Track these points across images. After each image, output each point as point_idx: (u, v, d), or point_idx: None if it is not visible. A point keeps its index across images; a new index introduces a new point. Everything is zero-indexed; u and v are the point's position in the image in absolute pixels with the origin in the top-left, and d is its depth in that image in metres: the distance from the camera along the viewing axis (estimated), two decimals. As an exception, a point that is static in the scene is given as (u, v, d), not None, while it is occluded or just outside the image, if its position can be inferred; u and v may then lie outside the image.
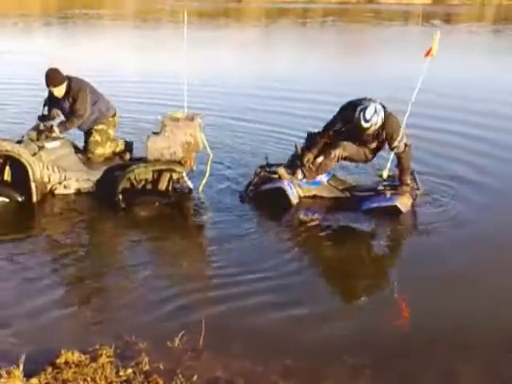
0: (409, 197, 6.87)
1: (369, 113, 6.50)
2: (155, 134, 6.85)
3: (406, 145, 6.74)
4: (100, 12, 43.95)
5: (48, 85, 6.99)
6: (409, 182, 6.86)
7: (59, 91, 7.01)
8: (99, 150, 7.24)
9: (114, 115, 7.39)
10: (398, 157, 6.82)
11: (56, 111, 7.09)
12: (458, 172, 8.22)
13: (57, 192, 7.07)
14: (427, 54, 7.07)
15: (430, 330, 4.65)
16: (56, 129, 6.96)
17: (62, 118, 7.15)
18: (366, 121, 6.51)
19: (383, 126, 6.65)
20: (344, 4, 56.88)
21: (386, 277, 5.80)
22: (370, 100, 6.64)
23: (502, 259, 5.92)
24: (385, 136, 6.74)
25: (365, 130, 6.60)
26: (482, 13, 53.82)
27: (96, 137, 7.23)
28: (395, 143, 6.69)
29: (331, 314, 4.91)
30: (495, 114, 11.80)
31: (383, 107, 6.64)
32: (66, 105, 7.10)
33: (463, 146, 9.49)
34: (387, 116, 6.64)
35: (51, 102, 7.17)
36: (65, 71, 7.07)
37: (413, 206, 6.90)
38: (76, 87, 7.04)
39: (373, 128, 6.59)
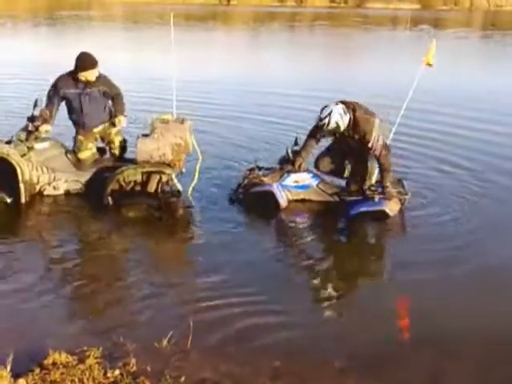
0: (397, 201, 6.91)
1: (324, 112, 6.67)
2: (145, 135, 6.86)
3: (383, 147, 6.76)
4: (90, 14, 43.87)
5: (86, 68, 7.01)
6: (388, 185, 6.86)
7: (93, 74, 7.07)
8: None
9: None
10: (377, 159, 6.86)
11: (45, 111, 7.04)
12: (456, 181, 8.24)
13: (46, 193, 7.05)
14: (425, 62, 7.16)
15: (418, 333, 4.67)
16: (122, 118, 7.24)
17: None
18: (320, 119, 6.70)
19: (354, 127, 6.71)
20: (332, 8, 57.05)
21: (376, 282, 5.74)
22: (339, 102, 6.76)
23: (493, 265, 5.92)
24: (358, 138, 6.77)
25: (321, 127, 6.74)
26: (470, 18, 54.17)
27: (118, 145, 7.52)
28: (369, 144, 6.71)
29: (319, 318, 4.93)
30: (488, 121, 11.86)
31: (353, 109, 6.69)
32: (95, 93, 7.18)
33: (458, 153, 9.56)
34: (357, 117, 6.69)
35: (70, 96, 7.17)
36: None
37: (401, 210, 6.95)
38: (103, 74, 7.20)
39: (330, 127, 6.68)
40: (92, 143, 7.35)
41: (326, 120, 6.65)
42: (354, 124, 6.70)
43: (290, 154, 7.17)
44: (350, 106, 6.71)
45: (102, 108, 7.34)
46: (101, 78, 7.19)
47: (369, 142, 6.68)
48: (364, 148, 6.81)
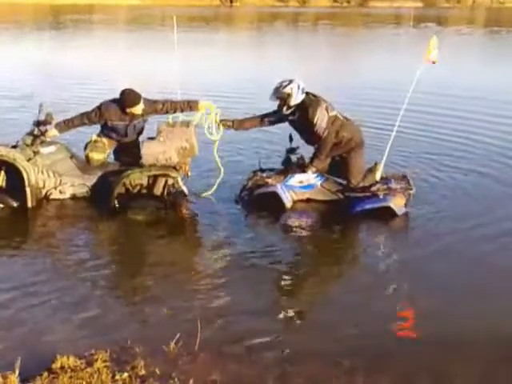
0: (402, 197, 6.90)
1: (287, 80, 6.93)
2: (151, 139, 6.87)
3: (325, 130, 6.86)
4: (94, 17, 43.99)
5: (131, 105, 7.05)
6: (315, 165, 7.04)
7: (138, 109, 7.11)
8: None
9: None
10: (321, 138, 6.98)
11: (50, 115, 7.06)
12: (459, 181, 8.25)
13: (52, 197, 7.07)
14: (427, 59, 7.14)
15: (424, 332, 4.67)
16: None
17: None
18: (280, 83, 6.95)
19: (303, 106, 6.90)
20: (335, 8, 57.00)
21: (381, 281, 5.70)
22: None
23: (497, 265, 5.91)
24: (306, 118, 6.90)
25: (276, 89, 6.94)
26: (472, 15, 54.05)
27: None
28: (314, 121, 6.83)
29: (326, 319, 4.92)
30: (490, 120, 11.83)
31: (309, 94, 6.95)
32: (141, 123, 7.30)
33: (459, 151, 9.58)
34: (307, 98, 6.91)
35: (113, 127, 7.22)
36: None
37: (406, 205, 6.94)
38: (146, 102, 7.18)
39: (285, 90, 6.87)
40: (109, 150, 7.39)
41: (285, 84, 6.90)
42: (302, 102, 6.90)
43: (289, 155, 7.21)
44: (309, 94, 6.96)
45: (141, 131, 7.45)
46: (145, 107, 7.18)
47: (313, 118, 6.83)
48: (311, 129, 6.93)
